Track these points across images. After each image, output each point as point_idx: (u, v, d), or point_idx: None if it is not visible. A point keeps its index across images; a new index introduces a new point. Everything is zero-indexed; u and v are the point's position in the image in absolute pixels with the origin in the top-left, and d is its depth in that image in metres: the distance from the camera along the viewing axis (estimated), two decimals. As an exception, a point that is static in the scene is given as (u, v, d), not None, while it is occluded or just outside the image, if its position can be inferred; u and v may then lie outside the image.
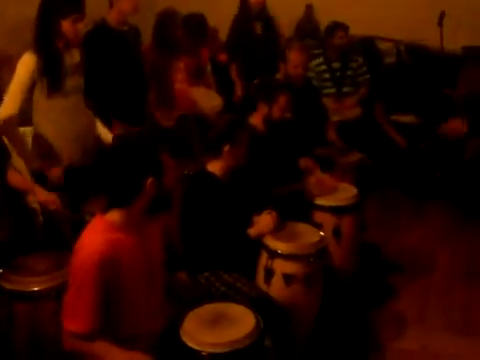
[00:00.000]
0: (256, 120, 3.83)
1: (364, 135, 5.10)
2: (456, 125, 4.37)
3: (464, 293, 4.04)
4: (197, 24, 5.10)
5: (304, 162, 4.04)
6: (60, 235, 3.22)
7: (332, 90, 5.43)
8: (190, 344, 2.39)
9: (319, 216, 3.69)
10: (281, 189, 3.62)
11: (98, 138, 3.68)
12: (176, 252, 3.07)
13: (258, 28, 5.52)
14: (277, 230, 3.20)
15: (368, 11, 5.98)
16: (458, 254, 4.53)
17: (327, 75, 5.43)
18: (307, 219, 3.58)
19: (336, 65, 5.45)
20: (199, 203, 3.05)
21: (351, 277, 3.78)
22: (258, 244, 3.18)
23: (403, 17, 5.96)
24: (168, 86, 4.58)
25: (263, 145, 3.63)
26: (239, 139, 3.16)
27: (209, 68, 5.36)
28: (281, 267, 3.11)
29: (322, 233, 3.31)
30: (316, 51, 5.55)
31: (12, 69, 3.38)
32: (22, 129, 3.61)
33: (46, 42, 3.34)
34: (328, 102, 5.14)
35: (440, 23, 5.50)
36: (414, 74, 5.66)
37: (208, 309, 2.59)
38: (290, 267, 3.11)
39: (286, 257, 3.11)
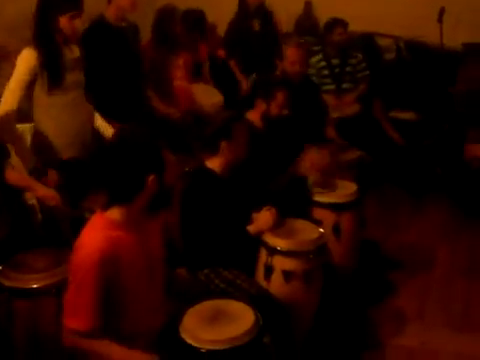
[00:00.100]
0: (254, 117, 3.84)
1: (363, 132, 5.09)
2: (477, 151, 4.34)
3: (464, 289, 4.04)
4: (196, 20, 5.10)
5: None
6: (59, 232, 3.22)
7: (331, 87, 5.43)
8: (189, 341, 2.39)
9: (318, 213, 3.69)
10: (277, 181, 3.61)
11: (97, 132, 3.67)
12: (176, 249, 3.07)
13: (256, 25, 5.52)
14: (276, 227, 3.19)
15: (368, 7, 5.98)
16: (458, 250, 4.53)
17: (326, 71, 5.42)
18: (306, 216, 3.58)
19: (335, 61, 5.44)
20: (198, 200, 3.05)
21: (351, 274, 3.78)
22: (257, 241, 3.18)
23: (403, 13, 5.96)
24: (167, 83, 4.58)
25: (261, 142, 3.63)
26: (235, 135, 3.16)
27: (207, 65, 5.37)
28: (281, 264, 3.11)
29: (322, 230, 3.31)
30: (315, 48, 5.55)
31: (11, 65, 3.39)
32: (21, 126, 3.61)
33: (45, 37, 3.35)
34: (328, 98, 5.14)
35: (440, 19, 5.50)
36: (414, 71, 5.66)
37: (207, 306, 2.59)
38: (289, 264, 3.11)
39: (285, 254, 3.11)
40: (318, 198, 3.74)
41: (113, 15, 4.06)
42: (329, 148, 4.51)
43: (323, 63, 5.43)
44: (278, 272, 3.10)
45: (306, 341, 3.22)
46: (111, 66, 3.97)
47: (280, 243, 3.12)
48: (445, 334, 3.59)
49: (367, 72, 5.57)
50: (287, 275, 3.10)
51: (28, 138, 3.58)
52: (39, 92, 3.41)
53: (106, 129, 3.69)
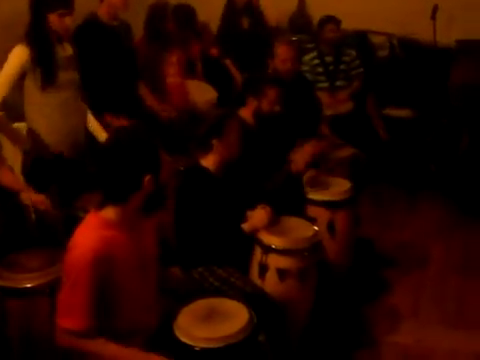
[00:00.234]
0: (246, 114, 3.83)
1: (357, 129, 5.09)
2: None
3: (458, 286, 4.05)
4: (186, 15, 5.09)
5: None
6: (52, 233, 3.21)
7: (325, 84, 5.42)
8: (183, 339, 2.39)
9: (313, 210, 3.69)
10: (273, 180, 3.60)
11: (90, 133, 3.67)
12: (169, 247, 3.06)
13: (245, 23, 5.52)
14: (271, 225, 3.19)
15: (361, 5, 5.97)
16: (452, 248, 4.54)
17: (320, 69, 5.42)
18: (301, 213, 3.57)
19: (329, 59, 5.44)
20: (192, 198, 3.05)
21: (345, 271, 3.78)
22: (252, 239, 3.17)
23: (396, 11, 5.95)
24: (160, 80, 4.56)
25: (254, 139, 3.63)
26: (227, 132, 3.15)
27: (200, 62, 5.36)
28: (275, 262, 3.10)
29: (316, 228, 3.30)
30: (309, 45, 5.54)
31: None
32: (16, 125, 3.60)
33: (37, 35, 3.34)
34: (321, 96, 5.13)
35: (433, 16, 5.50)
36: (407, 68, 5.66)
37: (201, 304, 2.59)
38: (284, 262, 3.10)
39: (280, 252, 3.10)
40: (312, 196, 3.73)
41: (105, 14, 4.05)
42: (322, 144, 4.53)
43: (317, 61, 5.42)
44: (273, 270, 3.10)
45: (301, 339, 3.22)
46: (104, 65, 3.96)
47: (275, 241, 3.12)
48: (440, 331, 3.60)
49: (361, 69, 5.56)
50: (282, 273, 3.09)
51: (24, 134, 3.57)
52: (32, 90, 3.40)
53: (99, 133, 3.68)
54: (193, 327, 2.43)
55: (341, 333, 3.50)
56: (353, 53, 5.56)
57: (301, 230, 3.26)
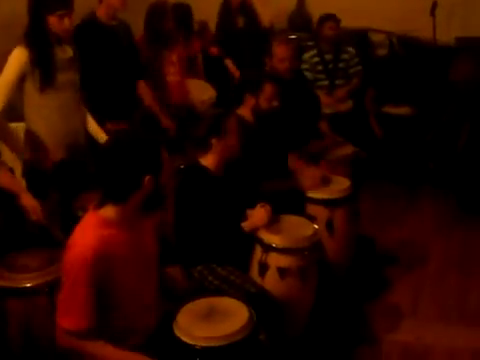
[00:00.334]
0: (244, 112, 3.83)
1: (356, 127, 5.09)
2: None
3: (458, 284, 4.05)
4: (183, 14, 5.09)
5: (292, 163, 4.01)
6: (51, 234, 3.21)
7: (325, 82, 5.42)
8: (184, 339, 2.38)
9: (312, 209, 3.68)
10: (270, 184, 3.60)
11: (89, 134, 3.66)
12: (169, 246, 3.06)
13: (240, 22, 5.52)
14: (271, 223, 3.19)
15: (360, 3, 5.96)
16: (452, 245, 4.54)
17: (320, 67, 5.42)
18: (300, 212, 3.57)
19: (329, 57, 5.44)
20: (192, 197, 3.05)
21: (345, 270, 3.78)
22: (252, 238, 3.17)
23: (395, 8, 5.95)
24: (160, 79, 4.56)
25: (253, 136, 3.63)
26: (225, 130, 3.15)
27: (200, 60, 5.36)
28: (275, 261, 3.10)
29: (316, 226, 3.30)
30: (309, 43, 5.54)
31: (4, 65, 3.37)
32: (14, 125, 3.59)
33: (36, 36, 3.33)
34: (321, 95, 5.13)
35: (432, 14, 5.50)
36: (407, 66, 5.66)
37: (201, 303, 2.58)
38: (284, 261, 3.10)
39: (280, 251, 3.10)
40: (311, 194, 3.73)
41: (104, 14, 4.04)
42: (323, 144, 4.53)
43: (317, 58, 5.42)
44: (273, 269, 3.10)
45: (301, 337, 3.22)
46: (103, 65, 3.96)
47: (275, 240, 3.12)
48: (440, 329, 3.60)
49: (359, 67, 5.56)
50: (282, 272, 3.09)
51: (21, 137, 3.57)
52: (31, 91, 3.39)
53: (98, 134, 3.67)
54: (193, 326, 2.43)
55: (341, 331, 3.49)
56: (352, 51, 5.56)
57: (301, 228, 3.26)
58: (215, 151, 3.15)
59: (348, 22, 5.57)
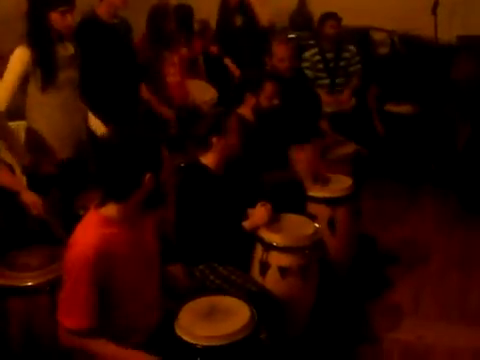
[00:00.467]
0: (245, 111, 3.83)
1: (358, 125, 5.09)
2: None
3: (459, 283, 4.04)
4: (185, 15, 5.10)
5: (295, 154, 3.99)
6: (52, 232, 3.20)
7: (326, 81, 5.42)
8: (185, 338, 2.38)
9: (313, 207, 3.69)
10: (270, 175, 3.59)
11: (90, 131, 3.66)
12: (171, 244, 3.06)
13: (238, 21, 5.52)
14: (271, 222, 3.18)
15: (361, 1, 5.95)
16: (453, 244, 4.53)
17: (321, 66, 5.41)
18: (301, 211, 3.57)
19: (330, 55, 5.43)
20: (193, 196, 3.04)
21: (346, 268, 3.78)
22: (253, 237, 3.17)
23: (397, 7, 5.94)
24: (161, 79, 4.56)
25: (254, 134, 3.63)
26: (226, 129, 3.15)
27: (201, 60, 5.36)
28: (276, 260, 3.10)
29: (317, 225, 3.30)
30: (311, 42, 5.54)
31: (6, 63, 3.36)
32: (15, 123, 3.59)
33: (38, 35, 3.32)
34: (322, 94, 5.12)
35: (434, 12, 5.49)
36: (408, 64, 5.65)
37: (203, 302, 2.58)
38: (285, 259, 3.10)
39: (281, 249, 3.10)
40: (313, 193, 3.73)
41: (105, 12, 4.03)
42: (324, 142, 4.53)
43: (318, 57, 5.41)
44: (274, 268, 3.09)
45: (303, 336, 3.22)
46: (104, 63, 3.96)
47: (276, 239, 3.11)
48: (441, 328, 3.60)
49: (359, 65, 5.55)
50: (283, 271, 3.09)
51: (22, 135, 3.56)
52: (33, 90, 3.39)
53: (99, 128, 3.66)
54: (194, 325, 2.43)
55: (342, 330, 3.49)
56: (353, 49, 5.55)
57: (302, 227, 3.25)
58: (215, 150, 3.15)
59: (349, 21, 5.55)
